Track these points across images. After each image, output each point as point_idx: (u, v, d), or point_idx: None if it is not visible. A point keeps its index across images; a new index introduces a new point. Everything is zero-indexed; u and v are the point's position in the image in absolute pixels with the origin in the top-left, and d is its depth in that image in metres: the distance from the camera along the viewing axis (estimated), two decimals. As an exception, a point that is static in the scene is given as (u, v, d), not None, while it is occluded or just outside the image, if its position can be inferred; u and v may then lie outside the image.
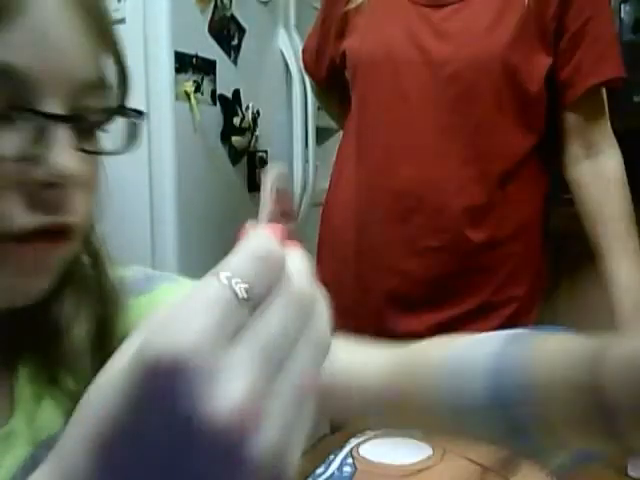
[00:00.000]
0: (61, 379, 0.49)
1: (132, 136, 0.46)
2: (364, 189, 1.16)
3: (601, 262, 1.11)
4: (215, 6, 1.69)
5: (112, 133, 0.46)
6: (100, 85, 0.43)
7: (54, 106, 0.40)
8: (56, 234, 0.42)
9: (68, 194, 0.41)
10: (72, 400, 0.47)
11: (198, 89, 1.63)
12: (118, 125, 0.46)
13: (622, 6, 2.71)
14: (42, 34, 0.39)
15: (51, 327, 0.48)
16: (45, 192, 0.40)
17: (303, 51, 1.42)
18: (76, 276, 0.49)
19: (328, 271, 1.25)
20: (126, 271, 0.56)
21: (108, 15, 0.45)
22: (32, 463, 0.46)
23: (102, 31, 0.43)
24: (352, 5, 1.18)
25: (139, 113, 0.46)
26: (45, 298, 0.45)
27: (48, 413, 0.49)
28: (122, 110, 0.45)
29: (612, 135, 1.14)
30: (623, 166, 1.13)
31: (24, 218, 0.40)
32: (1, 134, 0.38)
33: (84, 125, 0.42)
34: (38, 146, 0.39)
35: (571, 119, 1.12)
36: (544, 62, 1.07)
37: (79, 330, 0.48)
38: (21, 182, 0.39)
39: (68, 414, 0.41)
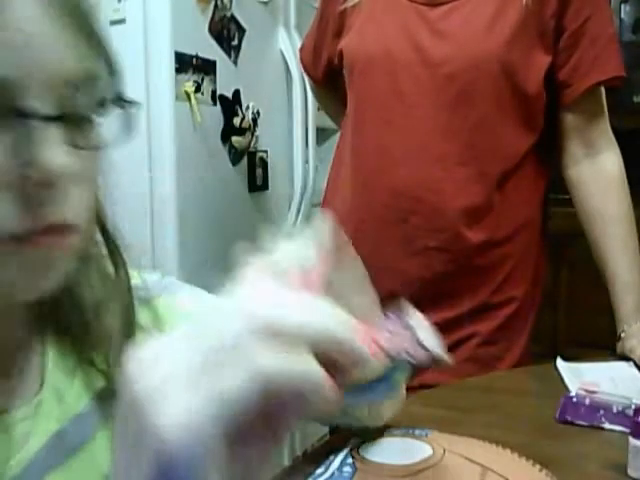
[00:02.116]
0: (93, 360, 0.52)
1: (128, 127, 0.45)
2: (361, 189, 1.16)
3: (601, 262, 1.11)
4: (215, 6, 1.69)
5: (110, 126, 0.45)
6: (88, 78, 0.42)
7: (40, 105, 0.40)
8: (55, 232, 0.42)
9: (62, 191, 0.41)
10: (103, 380, 0.52)
11: (198, 89, 1.63)
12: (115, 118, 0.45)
13: (622, 6, 2.71)
14: (16, 34, 0.38)
15: (80, 312, 0.51)
16: (39, 191, 0.40)
17: (300, 50, 1.41)
18: (101, 268, 0.53)
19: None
20: (144, 272, 0.60)
21: (86, 5, 0.43)
22: (58, 439, 0.49)
23: (82, 23, 0.42)
24: (349, 4, 1.18)
25: (133, 103, 0.45)
26: (69, 286, 0.48)
27: (77, 392, 0.52)
28: (116, 101, 0.45)
29: (612, 135, 1.14)
30: (623, 166, 1.13)
31: (21, 219, 0.40)
32: None
33: (73, 120, 0.42)
34: (27, 147, 0.39)
35: (570, 119, 1.12)
36: (543, 61, 1.07)
37: (110, 317, 0.52)
38: (14, 183, 0.39)
39: (97, 393, 0.52)
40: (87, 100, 0.43)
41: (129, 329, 0.53)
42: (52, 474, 0.49)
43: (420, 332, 0.36)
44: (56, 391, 0.51)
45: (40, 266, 0.43)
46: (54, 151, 0.40)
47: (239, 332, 0.29)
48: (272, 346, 0.29)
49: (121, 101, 0.45)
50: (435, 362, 0.40)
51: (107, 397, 0.52)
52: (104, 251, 0.54)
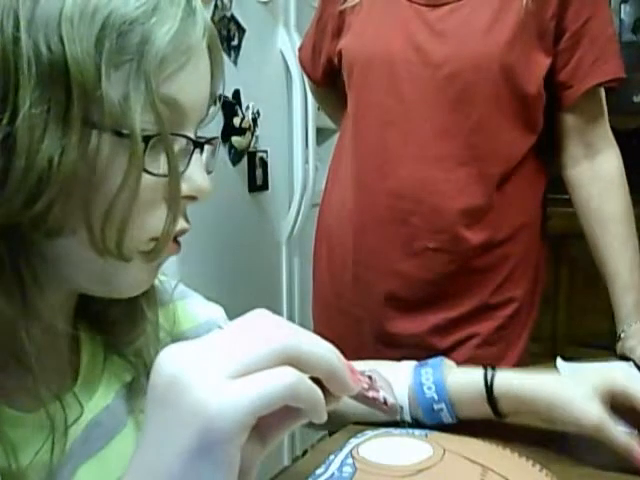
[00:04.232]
0: (122, 353, 0.57)
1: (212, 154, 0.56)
2: (361, 190, 1.16)
3: (601, 262, 1.11)
4: (215, 6, 1.69)
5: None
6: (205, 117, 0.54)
7: (191, 133, 0.50)
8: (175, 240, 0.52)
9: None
10: (130, 372, 0.57)
11: (198, 89, 1.63)
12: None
13: (622, 6, 2.71)
14: (198, 77, 0.49)
15: (113, 308, 0.56)
16: (185, 203, 0.51)
17: (300, 49, 1.41)
18: None
19: (326, 273, 1.25)
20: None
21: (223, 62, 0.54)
22: (92, 429, 0.53)
23: (219, 75, 0.53)
24: (349, 4, 1.17)
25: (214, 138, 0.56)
26: None
27: (106, 384, 0.56)
28: (214, 138, 0.55)
29: (611, 135, 1.14)
30: (622, 166, 1.13)
31: (171, 225, 0.48)
32: (157, 154, 0.46)
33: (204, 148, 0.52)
34: (183, 165, 0.49)
35: (570, 119, 1.12)
36: (543, 62, 1.07)
37: (140, 313, 0.56)
38: (172, 195, 0.48)
39: (124, 385, 0.57)
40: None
41: (156, 326, 0.58)
42: (86, 464, 0.52)
43: (384, 392, 0.46)
44: (89, 383, 0.55)
45: (155, 268, 0.52)
46: (203, 172, 0.51)
47: (272, 348, 0.34)
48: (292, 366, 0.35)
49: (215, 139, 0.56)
50: (390, 412, 0.51)
51: (134, 389, 0.57)
52: None
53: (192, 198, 0.51)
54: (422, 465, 0.57)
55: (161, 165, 0.47)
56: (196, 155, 0.50)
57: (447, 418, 0.74)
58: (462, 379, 0.73)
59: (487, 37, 1.04)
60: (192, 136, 0.50)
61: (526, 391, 0.70)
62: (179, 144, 0.49)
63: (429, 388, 0.73)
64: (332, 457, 0.61)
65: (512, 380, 0.72)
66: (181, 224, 0.51)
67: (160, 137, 0.46)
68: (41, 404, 0.48)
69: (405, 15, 1.10)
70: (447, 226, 1.09)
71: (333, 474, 0.58)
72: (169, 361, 0.34)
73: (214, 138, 0.55)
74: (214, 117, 0.55)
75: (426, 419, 0.74)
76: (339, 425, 0.76)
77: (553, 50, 1.08)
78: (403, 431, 0.68)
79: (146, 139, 0.45)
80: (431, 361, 0.76)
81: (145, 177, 0.46)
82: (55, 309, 0.52)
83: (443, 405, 0.73)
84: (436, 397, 0.72)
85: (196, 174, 0.50)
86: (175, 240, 0.52)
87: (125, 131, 0.44)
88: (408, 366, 0.76)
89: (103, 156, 0.44)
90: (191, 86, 0.49)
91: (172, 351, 0.35)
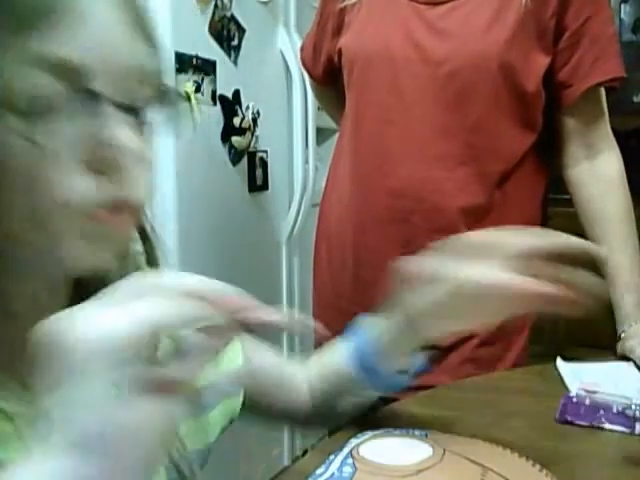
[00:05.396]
0: None
1: (176, 121, 0.51)
2: (361, 189, 1.16)
3: (601, 262, 1.11)
4: (215, 6, 1.69)
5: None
6: (150, 74, 0.47)
7: (112, 93, 0.44)
8: (119, 209, 0.46)
9: (129, 170, 0.45)
10: None
11: (198, 89, 1.63)
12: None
13: (622, 6, 2.72)
14: (96, 32, 0.43)
15: None
16: (109, 168, 0.44)
17: (301, 48, 1.41)
18: (137, 264, 0.56)
19: (326, 273, 1.25)
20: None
21: (148, 12, 0.48)
22: None
23: (146, 27, 0.47)
24: (348, 2, 1.18)
25: (181, 97, 0.51)
26: (106, 278, 0.49)
27: None
28: (165, 96, 0.49)
29: (612, 136, 1.14)
30: (623, 166, 1.13)
31: (95, 192, 0.44)
32: (63, 120, 0.42)
33: (136, 111, 0.46)
34: (101, 127, 0.43)
35: (570, 119, 1.12)
36: (542, 61, 1.07)
37: None
38: (89, 159, 0.43)
39: None
40: (147, 93, 0.47)
41: None
42: None
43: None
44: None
45: (100, 239, 0.47)
46: (125, 132, 0.44)
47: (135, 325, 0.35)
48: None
49: (169, 96, 0.50)
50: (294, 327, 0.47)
51: None
52: (139, 248, 0.56)
53: (117, 160, 0.45)
54: (422, 465, 0.57)
55: (66, 131, 0.43)
56: (116, 116, 0.44)
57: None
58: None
59: (487, 36, 1.04)
60: (111, 96, 0.44)
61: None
62: (91, 105, 0.44)
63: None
64: (332, 457, 0.61)
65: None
66: (119, 192, 0.46)
67: (55, 104, 0.42)
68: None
69: (405, 13, 1.10)
70: (447, 225, 1.09)
71: (333, 474, 0.58)
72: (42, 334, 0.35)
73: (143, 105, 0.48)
74: (176, 104, 0.50)
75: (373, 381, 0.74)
76: (338, 426, 0.76)
77: (553, 49, 1.08)
78: (403, 431, 0.68)
79: (37, 108, 0.41)
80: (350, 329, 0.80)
81: (49, 148, 0.42)
82: (37, 307, 0.50)
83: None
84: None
85: (114, 132, 0.44)
86: (119, 208, 0.46)
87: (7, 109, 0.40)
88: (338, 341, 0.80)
89: None
90: (82, 40, 0.43)
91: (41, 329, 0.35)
